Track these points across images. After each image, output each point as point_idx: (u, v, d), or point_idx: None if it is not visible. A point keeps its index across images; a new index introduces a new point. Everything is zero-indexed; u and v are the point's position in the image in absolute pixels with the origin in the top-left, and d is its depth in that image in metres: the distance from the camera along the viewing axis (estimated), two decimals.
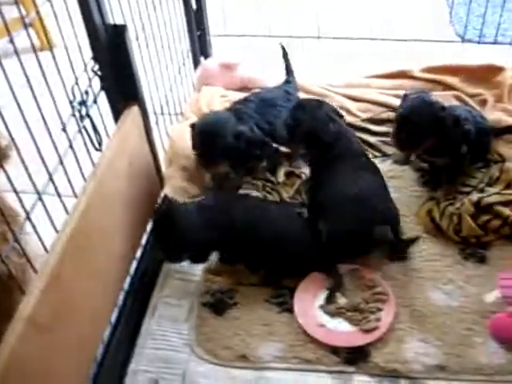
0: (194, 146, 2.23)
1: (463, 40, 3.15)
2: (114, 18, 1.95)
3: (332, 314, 2.00)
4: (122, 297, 2.08)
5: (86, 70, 1.88)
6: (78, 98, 1.81)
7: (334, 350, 1.91)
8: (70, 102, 1.78)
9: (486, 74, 2.88)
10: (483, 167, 2.44)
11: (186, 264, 2.15)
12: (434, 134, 2.16)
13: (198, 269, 2.17)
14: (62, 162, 1.69)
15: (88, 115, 1.85)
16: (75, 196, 1.77)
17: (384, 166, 2.48)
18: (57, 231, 1.67)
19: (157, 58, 2.40)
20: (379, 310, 1.97)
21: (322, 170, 2.18)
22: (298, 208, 2.18)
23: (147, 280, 2.17)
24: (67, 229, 1.66)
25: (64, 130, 1.70)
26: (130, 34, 2.00)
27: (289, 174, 2.48)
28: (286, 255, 2.07)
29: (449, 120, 2.14)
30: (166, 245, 2.06)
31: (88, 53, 1.91)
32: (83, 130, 1.83)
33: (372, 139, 2.63)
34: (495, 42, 3.02)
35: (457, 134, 2.18)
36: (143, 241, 2.25)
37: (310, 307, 2.02)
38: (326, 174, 2.15)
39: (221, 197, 2.17)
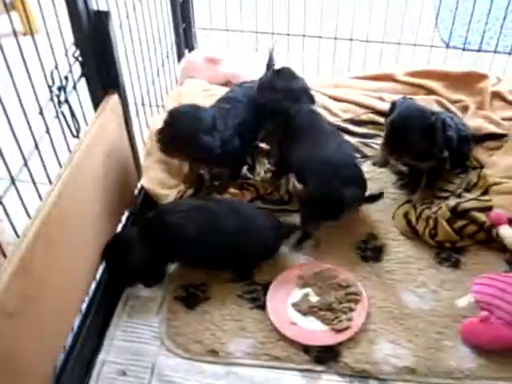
0: (160, 129, 2.18)
1: (448, 46, 3.16)
2: (98, 4, 1.93)
3: (304, 313, 1.99)
4: (93, 286, 2.06)
5: (66, 55, 1.85)
6: (58, 83, 1.79)
7: (305, 349, 1.91)
8: (49, 87, 1.76)
9: (468, 81, 2.89)
10: (461, 173, 2.45)
11: None
12: (426, 139, 2.17)
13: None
14: (37, 147, 1.67)
15: (66, 101, 1.82)
16: (50, 182, 1.74)
17: (363, 168, 2.48)
18: (30, 217, 1.64)
19: (140, 48, 2.37)
20: (351, 310, 1.97)
21: (288, 142, 2.25)
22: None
23: None
24: (40, 215, 1.64)
25: (41, 113, 1.67)
26: (114, 22, 1.97)
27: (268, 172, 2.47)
28: (248, 249, 2.08)
29: (438, 125, 2.14)
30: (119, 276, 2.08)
31: (70, 38, 1.88)
32: (61, 116, 1.81)
33: (352, 140, 2.63)
34: (479, 50, 3.03)
35: (442, 139, 2.19)
36: (118, 230, 2.23)
37: (283, 305, 2.01)
38: (292, 143, 2.22)
39: (165, 210, 2.13)
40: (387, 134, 2.24)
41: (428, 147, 2.20)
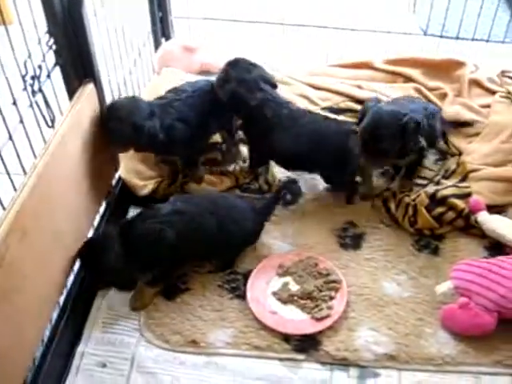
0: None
1: (426, 34, 3.16)
2: None
3: (284, 301, 1.99)
4: (71, 279, 2.03)
5: (40, 43, 1.82)
6: (31, 73, 1.76)
7: (285, 338, 1.91)
8: (23, 77, 1.72)
9: (446, 68, 2.90)
10: (440, 160, 2.46)
11: None
12: (399, 141, 2.15)
13: None
14: (11, 138, 1.64)
15: (40, 90, 1.79)
16: (25, 173, 1.71)
17: None
18: (4, 208, 1.61)
19: (116, 37, 2.34)
20: (331, 298, 1.97)
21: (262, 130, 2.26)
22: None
23: None
24: (14, 207, 1.60)
25: (14, 103, 1.64)
26: (88, 10, 1.94)
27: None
28: (230, 241, 2.05)
29: (410, 126, 2.13)
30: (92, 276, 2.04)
31: (44, 27, 1.85)
32: (35, 106, 1.77)
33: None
34: (457, 37, 3.03)
35: (415, 140, 2.20)
36: (95, 222, 2.20)
37: (263, 294, 2.01)
38: (270, 132, 2.24)
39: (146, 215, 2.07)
40: (361, 142, 2.19)
41: (402, 147, 2.18)
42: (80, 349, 1.90)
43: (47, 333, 1.89)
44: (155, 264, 1.98)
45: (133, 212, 2.30)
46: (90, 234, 2.15)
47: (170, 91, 2.33)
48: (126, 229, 1.98)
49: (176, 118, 2.21)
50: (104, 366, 1.87)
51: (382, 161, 2.29)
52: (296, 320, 1.95)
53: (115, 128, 2.08)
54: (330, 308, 1.95)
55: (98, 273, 1.98)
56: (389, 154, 2.19)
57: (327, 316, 1.93)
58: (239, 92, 2.21)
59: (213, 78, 2.34)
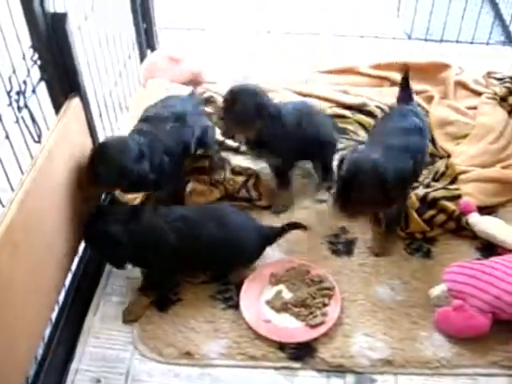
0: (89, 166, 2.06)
1: (410, 38, 3.18)
2: (55, 5, 1.89)
3: (278, 310, 1.98)
4: (63, 294, 2.02)
5: (24, 59, 1.81)
6: (16, 88, 1.74)
7: (280, 346, 1.90)
8: (7, 92, 1.71)
9: (432, 71, 2.92)
10: (429, 164, 2.46)
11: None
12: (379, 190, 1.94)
13: None
14: None
15: (26, 106, 1.78)
16: (12, 189, 1.70)
17: None
18: None
19: (101, 50, 2.34)
20: (325, 305, 1.96)
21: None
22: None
23: (90, 277, 2.12)
24: (3, 222, 1.59)
25: (0, 119, 1.63)
26: (72, 24, 1.93)
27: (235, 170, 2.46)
28: (230, 259, 2.04)
29: (390, 174, 1.93)
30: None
31: (28, 42, 1.84)
32: (21, 121, 1.76)
33: None
34: (441, 40, 3.05)
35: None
36: None
37: (256, 303, 2.00)
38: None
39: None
40: (338, 191, 2.00)
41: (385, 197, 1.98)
42: (74, 365, 1.88)
43: (40, 350, 1.87)
44: (149, 260, 1.99)
45: None
46: (81, 249, 2.14)
47: (153, 118, 2.23)
48: (136, 212, 1.99)
49: (163, 152, 2.15)
50: (99, 381, 1.85)
51: (357, 213, 2.08)
52: (290, 328, 1.94)
53: (103, 172, 2.01)
54: (324, 315, 1.94)
55: (101, 237, 1.96)
56: (367, 206, 2.00)
57: (322, 323, 1.92)
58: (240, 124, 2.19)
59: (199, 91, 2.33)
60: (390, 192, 1.93)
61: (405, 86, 2.33)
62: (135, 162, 2.03)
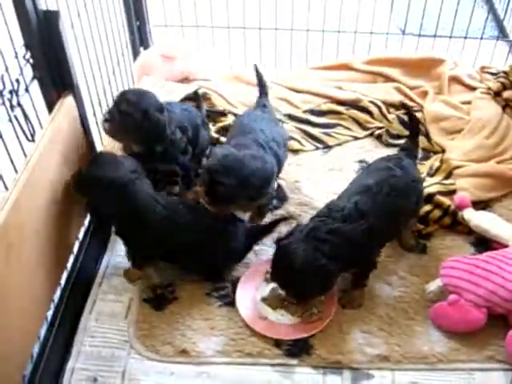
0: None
1: (404, 33, 3.17)
2: (47, 3, 1.88)
3: (274, 307, 1.98)
4: (58, 292, 2.01)
5: (16, 57, 1.80)
6: (9, 87, 1.74)
7: (277, 343, 1.89)
8: (0, 91, 1.71)
9: (426, 67, 2.92)
10: (423, 158, 2.47)
11: (125, 258, 2.11)
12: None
13: None
14: None
15: (19, 104, 1.77)
16: (6, 188, 1.69)
17: (325, 158, 2.49)
18: None
19: (94, 47, 2.33)
20: (321, 301, 1.96)
21: None
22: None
23: (85, 275, 2.12)
24: None
25: None
26: (65, 21, 1.92)
27: None
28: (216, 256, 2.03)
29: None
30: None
31: (20, 40, 1.83)
32: (14, 120, 1.76)
33: (314, 131, 2.63)
34: (435, 35, 3.05)
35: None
36: (81, 235, 2.19)
37: (252, 300, 1.99)
38: None
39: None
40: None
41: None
42: (70, 364, 1.87)
43: (36, 349, 1.87)
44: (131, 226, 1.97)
45: None
46: (76, 247, 2.14)
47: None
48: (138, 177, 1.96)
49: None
50: (95, 380, 1.84)
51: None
52: (287, 324, 1.93)
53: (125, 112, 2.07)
54: (320, 311, 1.94)
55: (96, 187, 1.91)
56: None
57: (318, 319, 1.92)
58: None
59: None
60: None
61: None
62: (158, 110, 2.11)
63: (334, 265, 1.79)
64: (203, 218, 2.00)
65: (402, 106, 2.21)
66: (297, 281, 1.82)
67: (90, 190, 1.92)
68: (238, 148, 2.06)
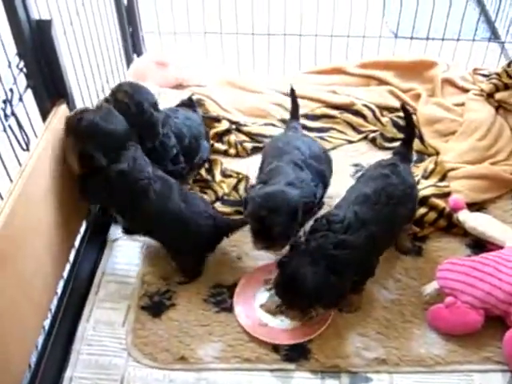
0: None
1: (396, 36, 3.18)
2: (40, 12, 1.88)
3: (273, 313, 1.97)
4: (55, 301, 2.01)
5: (10, 67, 1.80)
6: (3, 97, 1.74)
7: (275, 348, 1.90)
8: None
9: (419, 69, 2.93)
10: (417, 161, 2.47)
11: (122, 266, 2.11)
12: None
13: (134, 270, 2.14)
14: None
15: (13, 114, 1.77)
16: (1, 198, 1.69)
17: None
18: None
19: (87, 55, 2.33)
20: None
21: None
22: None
23: (82, 283, 2.11)
24: None
25: None
26: (57, 29, 1.93)
27: (225, 173, 2.46)
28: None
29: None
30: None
31: (13, 49, 1.83)
32: (8, 130, 1.76)
33: (309, 135, 2.62)
34: (427, 38, 3.05)
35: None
36: (77, 243, 2.18)
37: (251, 307, 2.00)
38: None
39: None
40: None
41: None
42: (68, 373, 1.87)
43: (33, 358, 1.87)
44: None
45: (114, 231, 2.27)
46: (72, 255, 2.14)
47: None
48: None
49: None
50: None
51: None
52: (287, 330, 1.93)
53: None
54: (318, 315, 1.93)
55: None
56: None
57: (317, 323, 1.92)
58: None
59: None
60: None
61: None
62: (152, 105, 2.16)
63: (344, 280, 1.80)
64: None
65: (402, 108, 2.21)
66: (311, 303, 1.82)
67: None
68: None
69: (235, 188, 2.40)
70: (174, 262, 2.10)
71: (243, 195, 2.34)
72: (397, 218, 1.96)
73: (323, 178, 2.14)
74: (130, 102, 2.11)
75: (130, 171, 1.95)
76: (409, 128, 2.19)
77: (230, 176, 2.44)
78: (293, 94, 2.43)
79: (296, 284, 1.78)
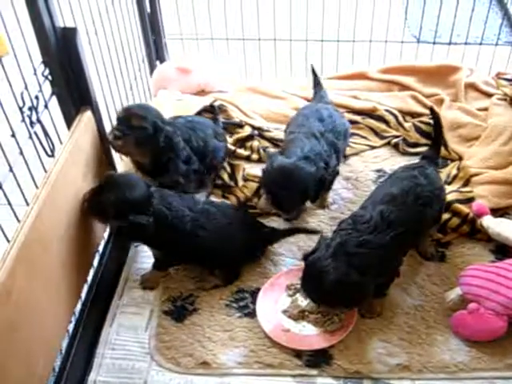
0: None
1: (419, 41, 3.17)
2: (65, 21, 1.91)
3: (295, 318, 1.98)
4: (79, 306, 2.03)
5: (35, 74, 1.83)
6: (29, 104, 1.76)
7: (297, 354, 1.90)
8: (20, 108, 1.73)
9: (442, 74, 2.92)
10: (441, 167, 2.46)
11: (145, 271, 2.13)
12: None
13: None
14: (11, 170, 1.64)
15: (39, 121, 1.80)
16: (27, 204, 1.72)
17: (341, 168, 2.48)
18: (8, 241, 1.61)
19: (111, 63, 2.36)
20: (342, 311, 1.95)
21: None
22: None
23: (105, 288, 2.13)
24: (19, 238, 1.61)
25: (13, 136, 1.65)
26: (82, 38, 1.95)
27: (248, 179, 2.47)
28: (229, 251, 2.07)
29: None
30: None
31: (39, 57, 1.86)
32: (34, 136, 1.78)
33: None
34: (450, 43, 3.04)
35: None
36: (101, 248, 2.21)
37: (273, 313, 2.00)
38: None
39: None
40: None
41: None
42: (92, 377, 1.89)
43: (58, 362, 1.89)
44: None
45: None
46: (96, 260, 2.16)
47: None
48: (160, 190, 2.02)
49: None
50: None
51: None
52: (310, 335, 1.93)
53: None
54: (341, 320, 1.93)
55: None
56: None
57: (340, 328, 1.92)
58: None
59: None
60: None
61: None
62: (162, 121, 2.17)
63: (367, 278, 1.79)
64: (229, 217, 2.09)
65: (431, 110, 2.23)
66: (332, 299, 1.84)
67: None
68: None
69: (256, 193, 2.40)
70: (212, 275, 2.12)
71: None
72: (424, 219, 1.96)
73: (337, 152, 2.27)
74: (146, 124, 2.10)
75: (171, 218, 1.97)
76: (437, 131, 2.19)
77: (252, 181, 2.45)
78: (313, 69, 2.61)
79: (318, 277, 1.79)
